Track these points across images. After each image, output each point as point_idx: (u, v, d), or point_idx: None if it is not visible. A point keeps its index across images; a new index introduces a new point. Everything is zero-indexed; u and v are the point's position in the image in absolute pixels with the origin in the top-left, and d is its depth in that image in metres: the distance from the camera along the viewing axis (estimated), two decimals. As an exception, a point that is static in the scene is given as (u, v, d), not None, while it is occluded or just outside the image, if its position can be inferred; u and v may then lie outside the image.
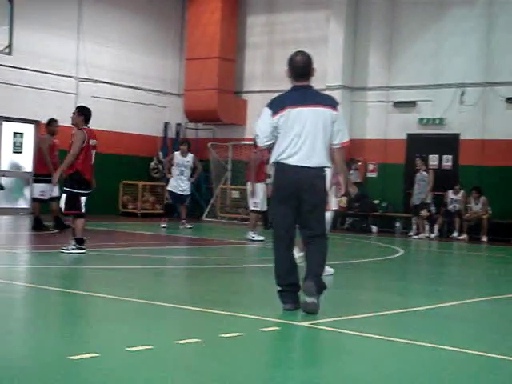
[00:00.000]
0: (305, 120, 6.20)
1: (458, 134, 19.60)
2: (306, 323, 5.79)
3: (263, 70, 22.59)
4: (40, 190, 14.17)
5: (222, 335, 5.19)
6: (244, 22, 23.04)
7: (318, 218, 6.28)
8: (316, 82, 23.32)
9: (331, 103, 6.39)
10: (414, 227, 18.96)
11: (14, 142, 20.20)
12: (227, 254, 12.43)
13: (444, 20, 19.85)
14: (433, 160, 19.86)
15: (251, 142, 16.03)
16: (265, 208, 14.76)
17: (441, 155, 19.81)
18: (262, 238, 14.34)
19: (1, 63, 17.87)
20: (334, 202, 8.72)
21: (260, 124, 6.35)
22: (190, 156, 17.11)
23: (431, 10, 20.03)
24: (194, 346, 4.86)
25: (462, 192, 18.62)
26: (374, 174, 20.91)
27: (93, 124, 22.13)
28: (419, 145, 20.10)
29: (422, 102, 20.13)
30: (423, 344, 5.24)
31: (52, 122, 14.67)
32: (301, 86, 6.36)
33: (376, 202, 20.50)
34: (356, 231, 19.69)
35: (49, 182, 13.20)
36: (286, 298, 6.27)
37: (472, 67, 19.35)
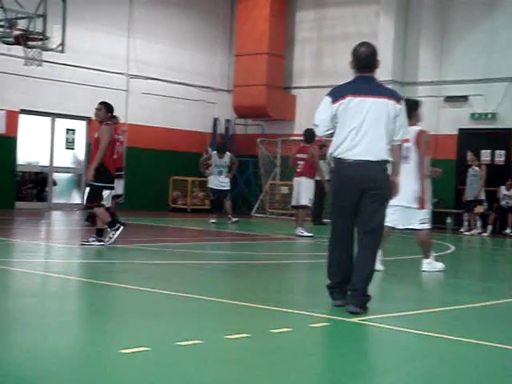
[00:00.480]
0: (366, 110, 5.95)
1: (510, 129, 19.31)
2: (356, 319, 5.76)
3: (312, 66, 22.54)
4: None
5: (272, 330, 5.20)
6: (293, 17, 23.02)
7: (375, 211, 5.99)
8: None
9: (395, 96, 6.13)
10: (466, 223, 18.74)
11: (67, 139, 20.53)
12: (276, 250, 12.45)
13: (496, 13, 19.56)
14: (485, 155, 19.60)
15: (300, 138, 16.07)
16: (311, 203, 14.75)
17: (493, 150, 19.54)
18: (310, 233, 14.34)
19: (54, 61, 18.15)
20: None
21: (319, 112, 6.15)
22: (227, 156, 17.29)
23: (483, 3, 19.75)
24: (244, 341, 4.88)
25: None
26: (424, 170, 20.69)
27: (143, 120, 22.44)
28: (471, 140, 19.84)
29: (473, 96, 19.87)
30: (472, 341, 5.18)
31: (112, 118, 14.82)
32: (364, 76, 6.13)
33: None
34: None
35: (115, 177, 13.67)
36: (336, 294, 6.16)
37: (525, 61, 19.04)
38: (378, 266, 7.85)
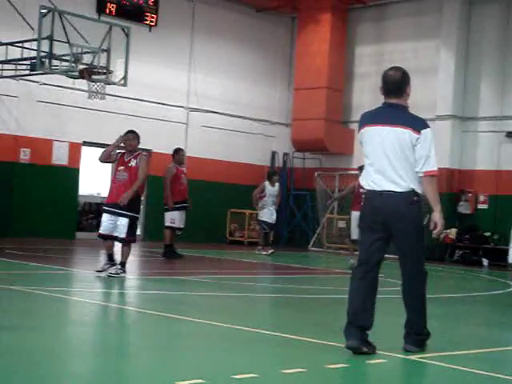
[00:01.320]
0: (380, 139, 5.71)
1: None
2: (414, 357, 5.68)
3: (371, 100, 22.40)
4: (170, 217, 14.52)
5: (327, 366, 5.15)
6: (352, 51, 23.08)
7: (407, 250, 5.78)
8: (425, 112, 23.10)
9: (413, 125, 5.70)
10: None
11: (127, 170, 20.74)
12: (331, 284, 12.35)
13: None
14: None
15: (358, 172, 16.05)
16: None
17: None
18: None
19: (116, 94, 18.50)
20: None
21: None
22: (278, 185, 17.50)
23: (546, 38, 19.52)
24: (300, 376, 4.84)
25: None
26: (484, 206, 20.39)
27: (201, 153, 22.66)
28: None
29: (537, 131, 19.57)
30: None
31: (178, 151, 15.15)
32: (389, 103, 5.85)
33: (487, 234, 19.96)
34: (466, 264, 19.21)
35: (179, 209, 14.06)
36: (351, 334, 5.63)
37: None
38: None
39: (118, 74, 16.42)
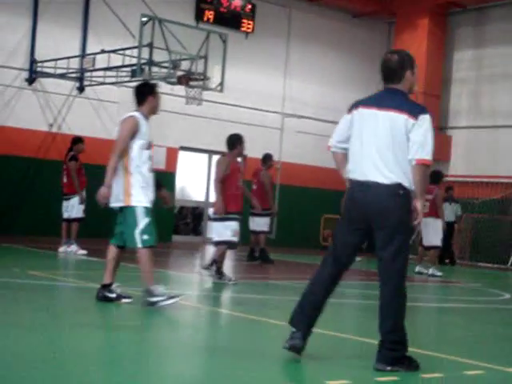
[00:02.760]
0: (374, 124, 5.21)
1: None
2: (513, 369, 5.51)
3: (469, 106, 22.02)
4: (266, 222, 14.67)
5: (422, 375, 5.05)
6: (451, 56, 22.67)
7: (389, 249, 5.14)
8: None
9: (410, 110, 5.21)
10: None
11: (222, 175, 20.98)
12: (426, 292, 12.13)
13: None
14: None
15: (456, 179, 15.87)
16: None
17: None
18: (441, 273, 14.74)
19: (213, 100, 18.76)
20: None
21: (338, 125, 5.51)
22: None
23: None
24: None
25: None
26: None
27: (296, 158, 22.67)
28: None
29: None
30: None
31: (271, 157, 15.32)
32: (388, 88, 5.38)
33: None
34: None
35: (267, 215, 14.34)
36: (293, 330, 5.19)
37: None
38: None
39: (214, 80, 16.63)
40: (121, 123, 7.59)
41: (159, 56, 15.82)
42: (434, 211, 14.56)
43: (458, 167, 22.05)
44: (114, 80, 17.17)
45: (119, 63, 16.52)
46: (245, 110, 20.65)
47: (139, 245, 7.21)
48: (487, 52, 21.87)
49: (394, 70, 5.34)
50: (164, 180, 19.18)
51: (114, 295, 7.44)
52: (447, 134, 22.42)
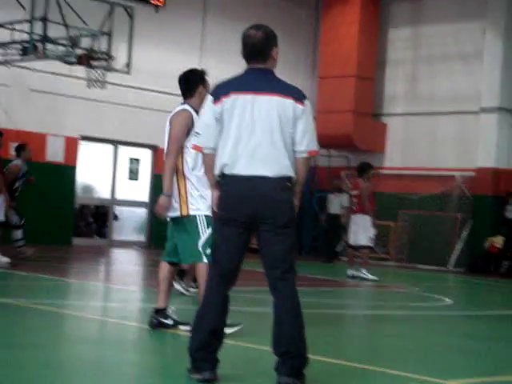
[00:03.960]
0: (256, 111, 5.11)
1: None
2: (453, 382, 5.65)
3: (406, 90, 22.42)
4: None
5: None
6: (385, 35, 23.03)
7: (280, 246, 5.10)
8: (468, 104, 22.96)
9: (294, 94, 5.17)
10: None
11: (130, 169, 20.85)
12: (352, 298, 12.30)
13: None
14: None
15: (393, 172, 16.15)
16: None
17: None
18: (375, 277, 14.92)
19: (118, 83, 18.53)
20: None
21: (202, 116, 5.34)
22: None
23: None
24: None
25: None
26: (536, 211, 20.30)
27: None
28: None
29: None
30: None
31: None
32: (256, 68, 5.25)
33: (539, 242, 19.88)
34: (514, 277, 19.15)
35: None
36: (203, 363, 5.06)
37: None
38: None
39: (120, 60, 16.46)
40: (172, 118, 7.29)
41: (55, 32, 15.56)
42: (362, 207, 14.94)
43: (393, 159, 22.46)
44: (1, 59, 16.76)
45: (8, 39, 16.15)
46: (155, 95, 20.48)
47: (204, 260, 6.74)
48: (425, 30, 22.29)
49: (260, 47, 5.25)
50: (62, 175, 19.02)
51: (170, 322, 7.09)
52: (382, 122, 22.79)
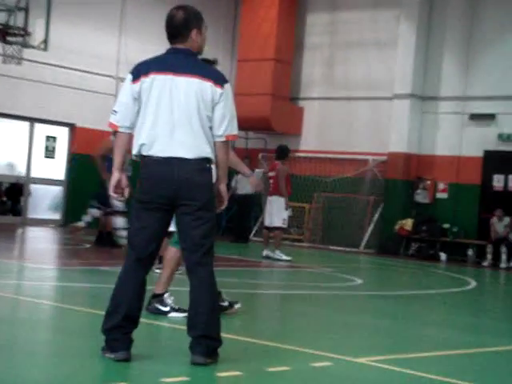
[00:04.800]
0: (175, 92, 5.08)
1: (542, 153, 19.39)
2: (362, 359, 5.77)
3: (323, 75, 22.59)
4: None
5: (269, 369, 5.21)
6: (303, 20, 23.14)
7: (198, 230, 5.09)
8: (382, 90, 23.29)
9: (214, 76, 5.15)
10: (490, 256, 18.75)
11: (47, 147, 20.54)
12: (260, 278, 12.42)
13: (530, 23, 19.69)
14: (512, 181, 19.65)
15: (309, 155, 16.31)
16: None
17: (522, 175, 19.57)
18: (289, 257, 15.08)
19: (35, 59, 18.21)
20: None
21: (120, 95, 5.23)
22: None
23: (515, 12, 19.89)
24: (235, 380, 4.89)
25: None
26: (444, 195, 20.73)
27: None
28: (498, 163, 19.87)
29: (502, 115, 19.94)
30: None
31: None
32: (176, 49, 5.23)
33: (446, 226, 20.32)
34: (422, 258, 19.54)
35: None
36: (118, 343, 5.04)
37: (560, 77, 19.15)
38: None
39: (37, 36, 16.17)
40: None
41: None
42: (278, 189, 15.07)
43: (309, 142, 22.64)
44: None
45: None
46: (73, 73, 20.18)
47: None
48: (342, 16, 22.46)
49: (178, 27, 5.22)
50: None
51: (167, 308, 6.99)
52: (299, 106, 22.93)
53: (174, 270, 7.10)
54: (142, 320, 5.25)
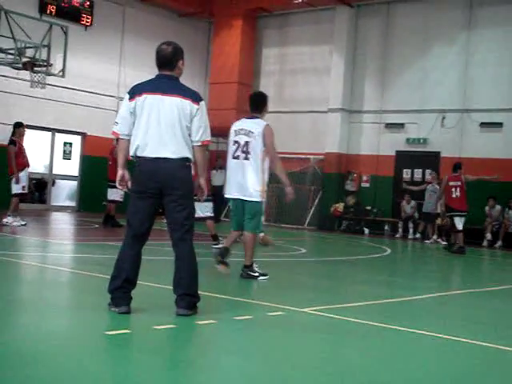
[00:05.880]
0: (160, 108, 5.05)
1: (438, 152, 19.54)
2: (306, 309, 5.77)
3: (275, 94, 22.55)
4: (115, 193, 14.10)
5: (235, 317, 5.19)
6: (260, 53, 23.09)
7: (180, 213, 5.06)
8: (320, 105, 23.16)
9: (192, 96, 5.14)
10: (401, 230, 18.92)
11: (64, 150, 20.36)
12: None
13: (429, 55, 19.82)
14: (417, 174, 19.81)
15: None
16: None
17: (424, 170, 19.74)
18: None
19: (55, 84, 17.99)
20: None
21: (120, 111, 5.22)
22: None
23: (418, 47, 20.01)
24: (210, 326, 4.87)
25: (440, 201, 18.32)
26: (367, 185, 20.86)
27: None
28: (406, 160, 20.04)
29: (409, 124, 20.09)
30: (406, 329, 5.23)
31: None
32: (164, 74, 5.20)
33: (368, 208, 20.46)
34: (351, 233, 19.65)
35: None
36: (120, 300, 5.00)
37: (452, 96, 19.31)
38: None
39: (57, 66, 15.98)
40: (264, 130, 7.69)
41: (6, 44, 14.94)
42: None
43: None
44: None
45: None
46: (84, 94, 19.96)
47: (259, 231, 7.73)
48: (289, 50, 22.48)
49: (169, 59, 5.18)
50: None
51: (256, 274, 7.52)
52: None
53: (254, 247, 7.60)
54: (139, 282, 5.20)
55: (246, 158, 7.49)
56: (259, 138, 7.51)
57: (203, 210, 10.83)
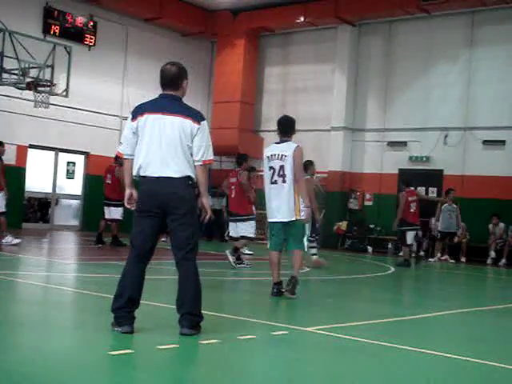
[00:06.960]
0: (161, 128, 5.04)
1: (441, 170, 19.54)
2: (310, 328, 5.75)
3: (277, 113, 22.56)
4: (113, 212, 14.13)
5: (239, 337, 5.17)
6: (262, 72, 23.19)
7: (184, 232, 5.04)
8: (323, 124, 23.18)
9: (193, 115, 5.11)
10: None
11: (68, 170, 20.39)
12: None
13: (431, 74, 19.89)
14: (420, 192, 19.78)
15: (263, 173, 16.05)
16: None
17: (427, 187, 19.73)
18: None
19: (59, 104, 18.07)
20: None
21: (124, 131, 5.23)
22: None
23: (420, 65, 20.09)
24: (213, 346, 4.85)
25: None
26: (370, 203, 20.84)
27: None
28: (409, 178, 19.97)
29: (411, 142, 20.10)
30: (413, 349, 5.20)
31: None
32: (167, 94, 5.21)
33: (372, 226, 20.42)
34: (354, 251, 19.61)
35: (121, 206, 13.27)
36: (123, 319, 4.98)
37: (454, 114, 19.35)
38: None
39: (60, 86, 16.04)
40: (294, 152, 7.68)
41: (9, 64, 15.03)
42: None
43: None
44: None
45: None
46: (87, 113, 20.05)
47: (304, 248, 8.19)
48: (291, 69, 22.57)
49: (173, 78, 5.19)
50: (14, 174, 18.37)
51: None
52: (260, 136, 22.94)
53: (302, 262, 8.16)
54: (142, 302, 5.19)
55: (284, 181, 7.68)
56: (291, 159, 7.68)
57: (248, 229, 11.78)
